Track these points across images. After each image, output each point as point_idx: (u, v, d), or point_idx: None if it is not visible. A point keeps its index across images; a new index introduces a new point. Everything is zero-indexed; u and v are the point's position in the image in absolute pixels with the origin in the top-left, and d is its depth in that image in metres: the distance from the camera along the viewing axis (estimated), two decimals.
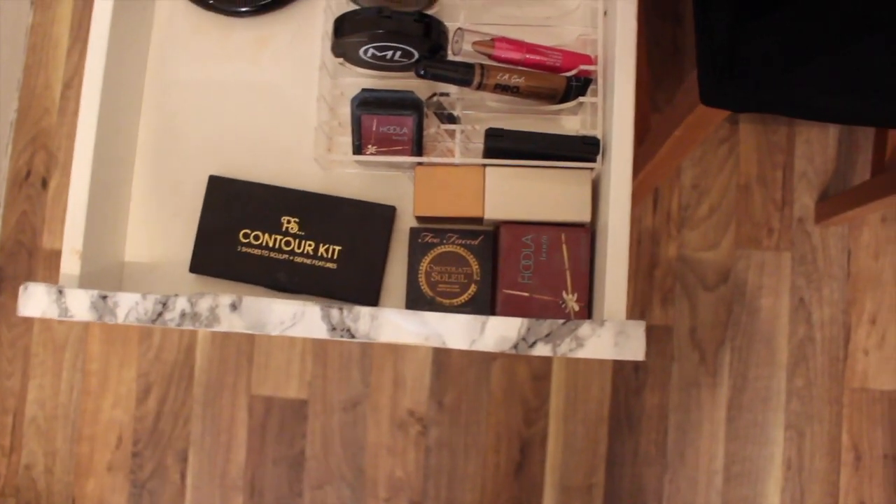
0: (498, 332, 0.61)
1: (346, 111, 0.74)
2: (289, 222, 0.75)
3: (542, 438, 1.53)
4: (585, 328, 0.61)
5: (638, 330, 0.61)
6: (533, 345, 0.61)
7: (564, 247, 0.71)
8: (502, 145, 0.69)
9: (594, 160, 0.70)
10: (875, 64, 0.65)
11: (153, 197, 0.79)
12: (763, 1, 0.73)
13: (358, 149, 0.73)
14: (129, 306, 0.64)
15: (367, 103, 0.71)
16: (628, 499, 1.53)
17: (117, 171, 0.76)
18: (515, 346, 0.61)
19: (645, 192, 1.47)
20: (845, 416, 1.54)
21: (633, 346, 0.61)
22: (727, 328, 1.55)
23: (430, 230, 0.73)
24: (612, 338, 0.61)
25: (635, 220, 1.56)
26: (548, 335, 0.61)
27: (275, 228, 0.75)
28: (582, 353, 0.60)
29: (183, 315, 0.64)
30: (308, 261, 0.75)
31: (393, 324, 0.63)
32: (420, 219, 0.73)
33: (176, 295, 0.64)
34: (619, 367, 1.53)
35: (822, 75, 0.69)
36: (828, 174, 1.56)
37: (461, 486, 1.53)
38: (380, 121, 0.71)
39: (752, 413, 1.54)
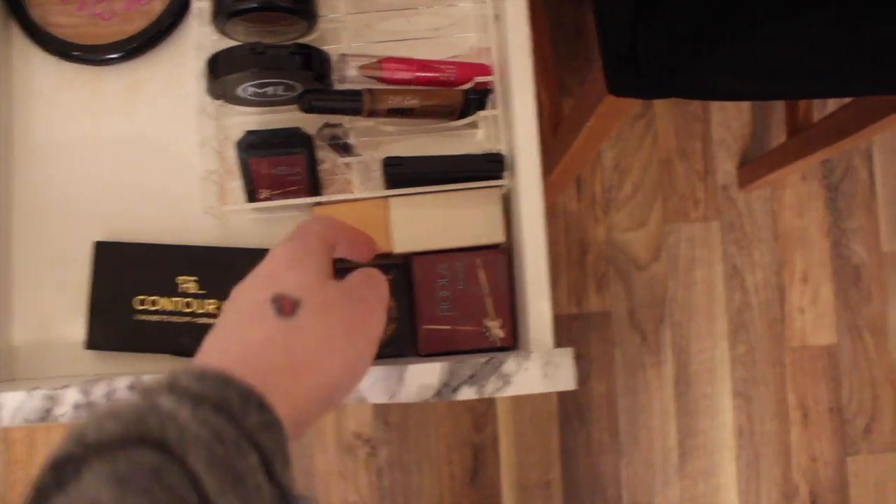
0: (418, 381, 0.56)
1: (234, 155, 0.68)
2: (186, 282, 0.69)
3: (494, 442, 1.50)
4: (510, 364, 0.56)
5: (565, 358, 0.57)
6: (457, 389, 0.56)
7: (481, 272, 0.66)
8: (403, 172, 0.64)
9: (501, 177, 0.65)
10: (772, 49, 0.62)
11: (36, 272, 0.72)
12: None
13: (251, 195, 0.67)
14: (14, 407, 0.58)
15: (253, 146, 0.65)
16: (587, 489, 1.50)
17: None
18: (439, 394, 0.56)
19: (567, 180, 1.43)
20: (789, 376, 1.53)
21: (563, 375, 0.56)
22: (665, 305, 1.53)
23: (338, 269, 0.67)
24: (539, 370, 0.56)
25: (560, 209, 1.53)
26: (471, 377, 0.56)
27: (171, 290, 0.69)
28: (510, 391, 0.56)
29: (76, 407, 0.58)
30: (211, 320, 0.69)
31: None
32: None
33: (65, 386, 0.58)
34: None
35: (724, 62, 0.66)
36: (745, 139, 1.54)
37: (418, 501, 1.48)
38: (269, 163, 0.65)
39: (699, 386, 1.52)
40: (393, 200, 0.65)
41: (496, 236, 0.66)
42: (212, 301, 0.69)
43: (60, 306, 0.71)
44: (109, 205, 0.72)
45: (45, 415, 0.58)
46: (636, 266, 1.53)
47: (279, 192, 0.67)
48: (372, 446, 1.48)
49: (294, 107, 0.67)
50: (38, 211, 0.73)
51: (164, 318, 0.69)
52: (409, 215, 0.65)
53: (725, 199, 1.53)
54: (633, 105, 0.89)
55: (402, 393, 0.56)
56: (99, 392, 0.59)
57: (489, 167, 0.65)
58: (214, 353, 0.44)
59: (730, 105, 1.53)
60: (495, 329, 0.66)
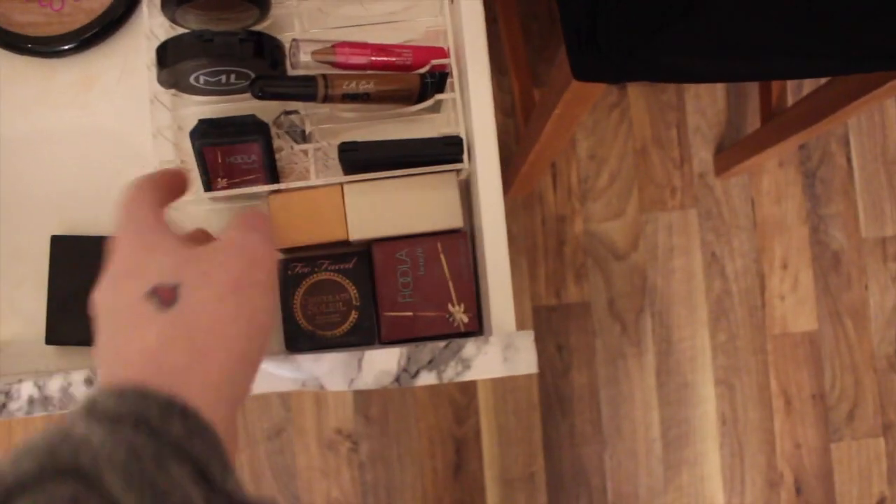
0: (376, 367, 0.55)
1: (189, 144, 0.67)
2: None
3: (476, 435, 1.49)
4: (470, 348, 0.55)
5: (526, 341, 0.56)
6: (416, 374, 0.55)
7: (442, 257, 0.65)
8: (358, 158, 0.63)
9: (460, 160, 0.64)
10: (729, 25, 0.61)
11: None
12: None
13: (206, 185, 0.66)
14: None
15: (206, 135, 0.64)
16: (571, 481, 1.50)
17: None
18: (398, 380, 0.55)
19: (541, 169, 1.43)
20: (771, 364, 1.53)
21: (525, 359, 0.56)
22: (644, 295, 1.52)
23: (299, 259, 0.67)
24: (499, 353, 0.56)
25: (537, 200, 1.52)
26: (430, 362, 0.55)
27: None
28: (470, 376, 0.55)
29: (31, 402, 0.57)
30: None
31: (265, 374, 0.57)
32: (284, 250, 0.67)
33: (20, 380, 0.57)
34: (542, 351, 1.49)
35: (681, 39, 0.65)
36: (721, 126, 1.54)
37: (401, 496, 1.48)
38: (224, 151, 0.64)
39: (680, 375, 1.52)
40: (348, 187, 0.65)
41: (455, 221, 0.65)
42: None
43: (19, 303, 0.71)
44: (66, 198, 0.71)
45: (0, 410, 0.57)
46: (614, 256, 1.53)
47: (236, 180, 0.66)
48: (353, 441, 1.47)
49: (250, 95, 0.66)
50: None
51: None
52: (366, 202, 0.65)
53: (702, 187, 1.53)
54: (600, 91, 0.88)
55: (360, 379, 0.56)
56: (54, 386, 0.58)
57: (448, 150, 0.64)
58: (117, 366, 0.41)
59: (704, 92, 1.52)
60: (459, 314, 0.65)
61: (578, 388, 1.51)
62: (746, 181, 1.53)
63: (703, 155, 1.53)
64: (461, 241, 0.66)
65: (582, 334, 1.52)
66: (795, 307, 1.54)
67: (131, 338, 0.42)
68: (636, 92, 1.53)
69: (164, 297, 0.42)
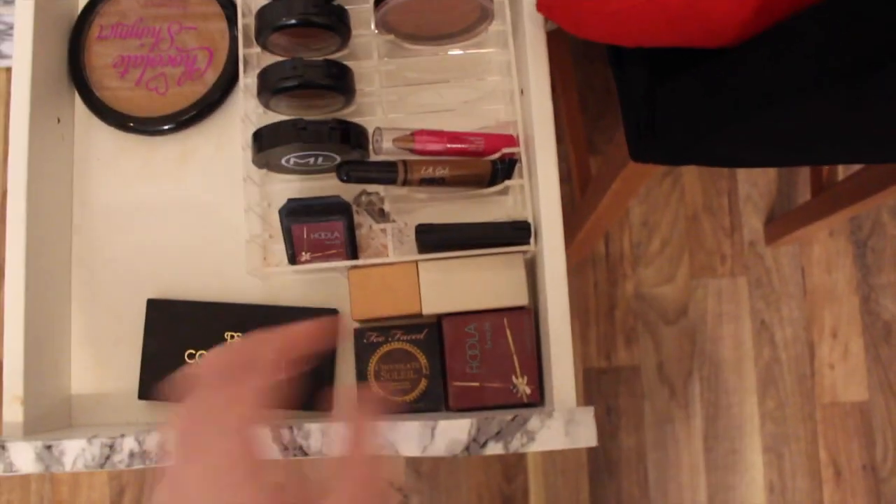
0: (448, 436, 0.61)
1: (277, 219, 0.74)
2: (232, 337, 0.74)
3: (524, 493, 1.53)
4: (534, 421, 0.61)
5: (587, 416, 0.61)
6: (484, 445, 0.61)
7: (508, 332, 0.71)
8: (432, 239, 0.69)
9: (528, 243, 0.70)
10: (783, 125, 0.67)
11: (93, 327, 0.78)
12: (673, 63, 0.74)
13: (292, 258, 0.73)
14: (75, 453, 0.63)
15: (294, 213, 0.71)
16: None
17: (53, 306, 0.76)
18: (468, 449, 0.61)
19: (596, 237, 1.48)
20: (820, 433, 1.55)
21: (585, 433, 0.61)
22: (693, 359, 1.56)
23: (374, 329, 0.73)
24: (562, 427, 0.61)
25: (590, 265, 1.58)
26: (498, 433, 0.61)
27: (219, 345, 0.74)
28: (534, 447, 0.60)
29: (132, 455, 0.64)
30: None
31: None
32: (361, 321, 0.73)
33: (122, 435, 0.63)
34: None
35: (738, 137, 0.71)
36: (772, 195, 1.58)
37: None
38: (310, 228, 0.71)
39: (728, 441, 1.55)
40: (423, 264, 0.71)
41: (520, 299, 0.71)
42: None
43: (115, 360, 0.77)
44: (161, 265, 0.79)
45: (104, 461, 0.63)
46: (664, 321, 1.57)
47: (319, 254, 0.72)
48: (404, 495, 1.52)
49: (333, 175, 0.73)
50: (95, 270, 0.79)
51: None
52: (438, 279, 0.71)
53: (753, 255, 1.57)
54: (657, 169, 0.94)
55: (433, 447, 0.61)
56: (153, 441, 0.64)
57: (515, 234, 0.70)
58: None
59: None
60: (522, 386, 0.71)
61: (626, 451, 1.55)
62: (797, 250, 1.57)
63: (753, 223, 1.58)
64: (526, 318, 0.71)
65: (631, 397, 1.56)
66: (846, 377, 1.57)
67: None
68: None
69: None
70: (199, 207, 0.79)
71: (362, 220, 0.75)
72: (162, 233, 0.79)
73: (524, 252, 0.72)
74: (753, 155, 0.80)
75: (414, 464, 1.53)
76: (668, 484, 1.54)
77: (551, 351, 0.66)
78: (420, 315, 0.72)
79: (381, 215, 0.74)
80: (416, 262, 0.71)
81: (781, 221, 1.52)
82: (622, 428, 1.55)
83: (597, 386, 1.55)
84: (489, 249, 0.70)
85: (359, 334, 0.73)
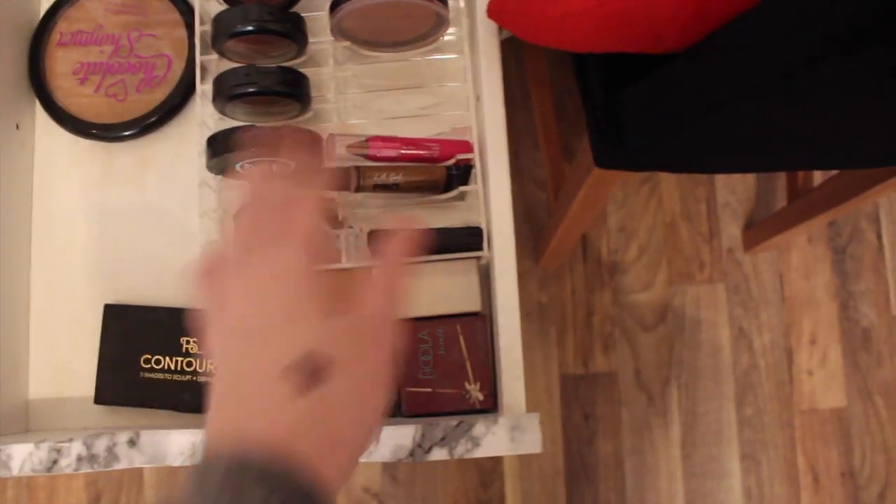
0: (393, 442, 0.61)
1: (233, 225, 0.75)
2: (189, 342, 0.75)
3: (501, 499, 1.53)
4: (479, 427, 0.61)
5: (532, 422, 0.62)
6: (429, 450, 0.61)
7: (461, 338, 0.72)
8: None
9: (481, 248, 0.71)
10: (736, 130, 0.68)
11: (52, 332, 0.79)
12: (631, 69, 0.75)
13: None
14: (22, 458, 0.64)
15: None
16: None
17: (10, 310, 0.76)
18: (412, 454, 0.61)
19: (570, 242, 1.49)
20: (798, 439, 1.56)
21: (529, 440, 0.61)
22: (671, 366, 1.57)
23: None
24: (506, 434, 0.61)
25: (567, 271, 1.58)
26: (443, 439, 0.61)
27: (175, 350, 0.75)
28: (479, 453, 0.61)
29: (80, 459, 0.64)
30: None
31: None
32: None
33: (70, 439, 0.64)
34: (568, 418, 1.54)
35: (695, 141, 0.72)
36: (750, 202, 1.59)
37: None
38: None
39: (706, 448, 1.55)
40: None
41: (473, 305, 0.71)
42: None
43: (74, 364, 0.78)
44: (120, 270, 0.79)
45: (52, 465, 0.64)
46: (642, 327, 1.58)
47: None
48: (380, 501, 1.52)
49: None
50: (54, 275, 0.80)
51: (168, 376, 0.75)
52: None
53: (731, 262, 1.58)
54: (624, 175, 0.94)
55: (377, 452, 0.62)
56: (101, 445, 0.65)
57: (470, 241, 0.71)
58: (251, 432, 0.37)
59: None
60: (475, 392, 0.71)
61: (604, 457, 1.55)
62: (775, 256, 1.58)
63: (731, 230, 1.58)
64: (479, 324, 0.72)
65: (608, 404, 1.56)
66: (824, 383, 1.57)
67: (262, 410, 0.38)
68: None
69: (302, 383, 0.38)
70: (159, 213, 0.80)
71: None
72: (121, 238, 0.80)
73: (478, 258, 0.72)
74: (714, 160, 0.81)
75: (390, 469, 1.53)
76: (646, 491, 1.55)
77: (501, 357, 0.67)
78: None
79: (336, 221, 0.75)
80: (371, 268, 0.72)
81: (759, 228, 1.53)
82: (599, 434, 1.56)
83: (574, 392, 1.56)
84: (443, 255, 0.71)
85: None
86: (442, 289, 0.71)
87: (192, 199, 0.77)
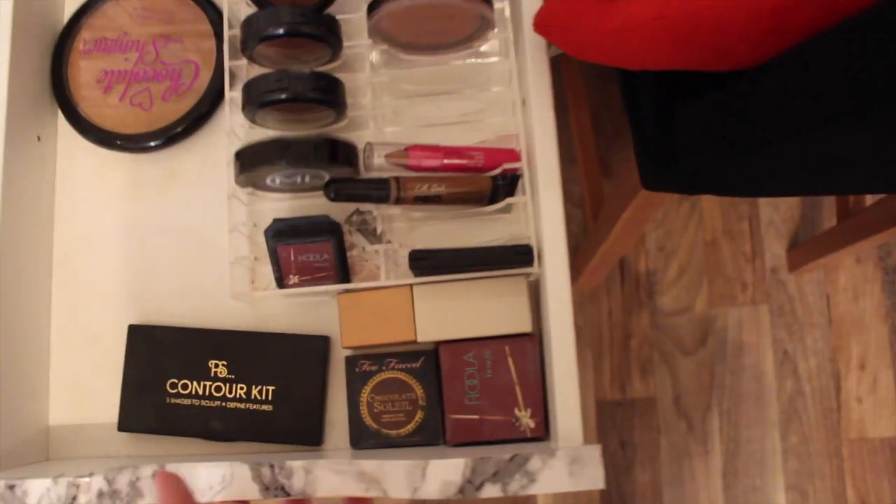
0: (441, 477, 0.56)
1: (263, 240, 0.70)
2: (217, 366, 0.71)
3: None
4: (535, 461, 0.56)
5: (593, 455, 0.57)
6: (480, 487, 0.56)
7: (510, 360, 0.67)
8: (427, 266, 0.65)
9: (530, 266, 0.66)
10: (810, 156, 0.63)
11: (73, 354, 0.75)
12: (688, 87, 0.70)
13: (279, 281, 0.69)
14: (39, 494, 0.59)
15: (280, 234, 0.67)
16: None
17: (30, 331, 0.72)
18: (462, 491, 0.56)
19: (609, 264, 1.44)
20: (847, 470, 1.49)
21: (591, 474, 0.56)
22: (712, 392, 1.51)
23: (367, 357, 0.69)
24: (565, 468, 0.56)
25: (603, 292, 1.53)
26: (495, 474, 0.56)
27: (203, 375, 0.71)
28: (536, 489, 0.56)
29: (101, 495, 0.60)
30: (242, 405, 0.70)
31: (327, 478, 0.59)
32: (352, 348, 0.69)
33: (91, 474, 0.59)
34: (605, 446, 1.48)
35: (759, 166, 0.67)
36: (795, 220, 1.53)
37: None
38: (297, 250, 0.67)
39: (749, 478, 1.49)
40: (417, 290, 0.67)
41: (523, 325, 0.67)
42: (242, 385, 0.70)
43: (96, 388, 0.74)
44: (145, 288, 0.75)
45: (70, 502, 0.59)
46: (682, 351, 1.52)
47: (308, 277, 0.69)
48: None
49: (322, 194, 0.69)
50: (76, 294, 0.76)
51: (196, 401, 0.70)
52: (435, 304, 0.67)
53: (775, 283, 1.52)
54: (671, 197, 0.90)
55: (424, 488, 0.57)
56: (123, 480, 0.60)
57: (517, 258, 0.66)
58: None
59: None
60: (525, 419, 0.66)
61: (641, 487, 1.49)
62: (821, 277, 1.52)
63: (775, 250, 1.53)
64: (530, 345, 0.67)
65: (646, 431, 1.50)
66: (874, 410, 1.51)
67: None
68: None
69: None
70: (185, 228, 0.76)
71: (355, 240, 0.72)
72: (146, 254, 0.76)
73: (527, 275, 0.67)
74: (775, 185, 0.76)
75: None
76: None
77: (555, 382, 0.62)
78: (415, 342, 0.68)
79: (374, 235, 0.71)
80: (411, 286, 0.67)
81: (805, 247, 1.47)
82: (637, 462, 1.50)
83: (611, 419, 1.50)
84: (490, 273, 0.66)
85: (351, 362, 0.69)
86: (489, 309, 0.67)
87: (219, 213, 0.73)
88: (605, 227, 1.15)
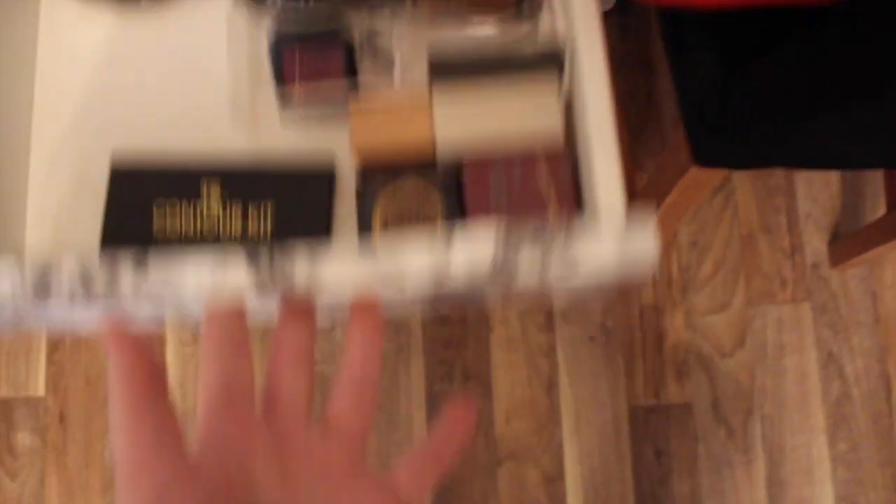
0: (469, 250, 0.49)
1: (268, 56, 0.64)
2: (209, 192, 0.64)
3: None
4: (577, 230, 0.49)
5: (644, 221, 0.49)
6: (514, 258, 0.48)
7: (542, 173, 0.59)
8: (448, 69, 0.59)
9: (560, 71, 0.60)
10: (879, 118, 0.56)
11: (53, 179, 0.68)
12: (750, 44, 0.65)
13: (283, 97, 0.63)
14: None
15: (286, 37, 0.61)
16: None
17: (6, 159, 0.66)
18: (495, 264, 0.48)
19: None
20: None
21: (642, 239, 0.49)
22: (753, 396, 1.41)
23: (381, 171, 0.62)
24: (612, 233, 0.49)
25: (634, 293, 1.45)
26: (532, 240, 0.48)
27: (193, 195, 0.63)
28: (579, 257, 0.48)
29: (72, 281, 0.52)
30: (238, 231, 0.63)
31: (336, 262, 0.51)
32: (363, 164, 0.62)
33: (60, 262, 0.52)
34: (639, 455, 1.37)
35: (828, 128, 0.60)
36: (836, 212, 1.46)
37: None
38: (303, 53, 0.61)
39: (795, 488, 1.37)
40: (437, 97, 0.60)
41: (554, 126, 0.60)
42: (237, 202, 0.63)
43: (75, 214, 0.67)
44: (133, 117, 0.69)
45: (40, 283, 0.52)
46: (719, 353, 1.42)
47: (314, 87, 0.63)
48: None
49: (331, 22, 0.64)
50: (60, 119, 0.69)
51: (186, 229, 0.63)
52: (456, 112, 0.60)
53: (816, 279, 1.44)
54: (719, 177, 0.83)
55: (451, 264, 0.49)
56: (99, 270, 0.53)
57: (546, 61, 0.60)
58: None
59: (816, 175, 1.46)
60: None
61: (679, 498, 1.37)
62: (867, 273, 1.44)
63: (815, 244, 1.45)
64: (563, 160, 0.60)
65: (683, 438, 1.40)
66: None
67: None
68: (741, 174, 1.47)
69: None
70: (180, 52, 0.70)
71: (364, 67, 0.66)
72: (136, 80, 0.69)
73: (559, 81, 0.61)
74: (862, 153, 0.69)
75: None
76: None
77: (594, 156, 0.54)
78: (434, 156, 0.61)
79: (387, 59, 0.65)
80: (430, 92, 0.61)
81: (849, 241, 1.39)
82: (674, 473, 1.38)
83: (644, 426, 1.40)
84: (516, 78, 0.60)
85: (362, 175, 0.62)
86: (516, 115, 0.60)
87: (217, 38, 0.68)
88: None
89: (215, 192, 0.63)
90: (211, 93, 0.68)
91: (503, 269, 0.49)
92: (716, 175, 0.84)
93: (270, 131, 0.67)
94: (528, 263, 0.49)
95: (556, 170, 0.59)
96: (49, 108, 0.70)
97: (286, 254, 0.50)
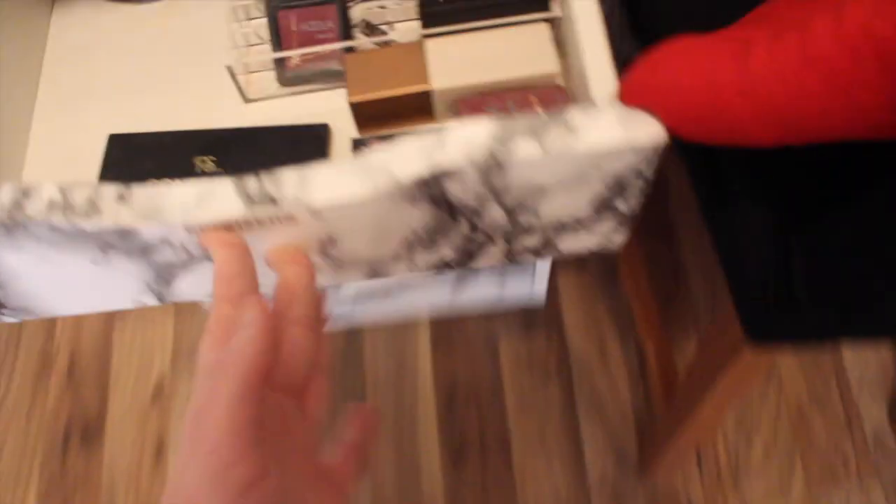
0: (464, 140, 0.47)
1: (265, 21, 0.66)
2: (203, 162, 0.62)
3: None
4: (573, 113, 0.48)
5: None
6: (511, 146, 0.46)
7: (536, 102, 0.58)
8: (439, 12, 0.61)
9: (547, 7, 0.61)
10: None
11: (49, 160, 0.69)
12: (815, 197, 0.59)
13: (279, 61, 0.64)
14: None
15: (283, 1, 0.64)
16: None
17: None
18: (493, 155, 0.46)
19: (685, 454, 1.27)
20: None
21: (646, 123, 0.47)
22: None
23: (377, 139, 0.61)
24: (613, 117, 0.48)
25: (681, 490, 1.33)
26: (528, 131, 0.47)
27: (186, 172, 0.62)
28: (579, 141, 0.46)
29: (52, 206, 0.51)
30: None
31: (326, 178, 0.49)
32: (361, 121, 0.61)
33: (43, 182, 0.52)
34: None
35: None
36: (890, 376, 1.37)
37: None
38: (300, 16, 0.63)
39: None
40: (430, 40, 0.62)
41: (549, 66, 0.59)
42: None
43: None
44: (129, 92, 0.71)
45: (14, 208, 0.50)
46: None
47: (310, 54, 0.64)
48: None
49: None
50: (59, 99, 0.72)
51: None
52: (449, 51, 0.61)
53: (881, 451, 1.32)
54: (775, 356, 0.75)
55: (443, 154, 0.47)
56: (81, 195, 0.51)
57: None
58: None
59: None
60: None
61: None
62: None
63: (873, 411, 1.35)
64: (558, 94, 0.59)
65: None
66: None
67: None
68: None
69: None
70: (178, 29, 0.72)
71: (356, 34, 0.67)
72: (134, 58, 0.72)
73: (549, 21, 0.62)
74: None
75: None
76: None
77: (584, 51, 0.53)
78: (429, 99, 0.60)
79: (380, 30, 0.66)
80: (422, 37, 0.61)
81: None
82: None
83: None
84: (508, 18, 0.61)
85: (358, 145, 0.61)
86: (509, 53, 0.61)
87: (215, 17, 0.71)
88: (684, 408, 1.01)
89: (209, 167, 0.62)
90: (208, 69, 0.70)
91: (499, 161, 0.47)
92: (768, 356, 0.77)
93: (264, 105, 0.68)
94: (524, 150, 0.47)
95: (549, 101, 0.58)
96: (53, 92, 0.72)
97: (272, 176, 0.48)
